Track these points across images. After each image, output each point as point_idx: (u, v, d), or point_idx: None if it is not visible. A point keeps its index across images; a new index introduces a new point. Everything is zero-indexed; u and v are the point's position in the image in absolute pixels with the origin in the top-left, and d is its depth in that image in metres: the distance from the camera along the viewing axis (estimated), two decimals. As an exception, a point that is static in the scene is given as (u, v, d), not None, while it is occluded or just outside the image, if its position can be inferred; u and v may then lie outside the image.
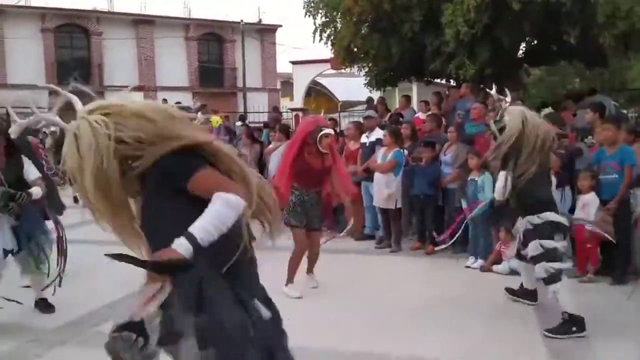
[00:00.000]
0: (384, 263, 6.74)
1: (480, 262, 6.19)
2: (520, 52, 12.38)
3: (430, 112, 9.06)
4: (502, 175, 4.47)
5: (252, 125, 13.64)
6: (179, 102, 18.92)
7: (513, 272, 5.63)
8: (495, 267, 6.02)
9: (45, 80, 23.76)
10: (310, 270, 5.69)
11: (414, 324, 4.57)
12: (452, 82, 12.07)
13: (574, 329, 4.12)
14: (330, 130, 5.39)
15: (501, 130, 4.40)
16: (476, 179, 6.24)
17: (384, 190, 7.13)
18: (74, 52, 25.53)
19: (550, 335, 4.14)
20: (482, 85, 11.23)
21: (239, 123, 14.22)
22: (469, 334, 4.28)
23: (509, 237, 5.85)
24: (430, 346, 4.10)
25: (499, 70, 10.56)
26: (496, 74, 10.67)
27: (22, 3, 24.33)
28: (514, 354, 3.99)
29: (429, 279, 5.96)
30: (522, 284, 4.97)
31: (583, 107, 8.07)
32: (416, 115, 10.30)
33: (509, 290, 5.06)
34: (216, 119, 7.54)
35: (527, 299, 4.91)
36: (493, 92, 4.95)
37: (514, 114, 4.39)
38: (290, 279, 5.39)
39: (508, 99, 4.92)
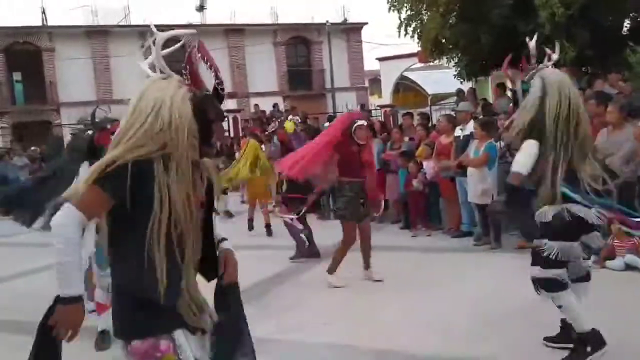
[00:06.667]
0: (484, 261, 6.49)
1: (592, 257, 5.77)
2: (624, 29, 11.52)
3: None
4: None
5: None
6: (276, 104, 19.53)
7: (629, 268, 5.23)
8: (608, 263, 5.61)
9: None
10: (367, 266, 5.88)
11: (518, 324, 4.36)
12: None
13: (589, 348, 3.49)
14: (363, 122, 5.78)
15: (524, 94, 3.61)
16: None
17: (479, 185, 6.88)
18: (172, 65, 26.93)
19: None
20: (584, 68, 10.58)
21: (326, 124, 14.31)
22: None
23: (623, 231, 5.42)
24: (534, 348, 3.89)
25: (600, 51, 9.88)
26: (598, 55, 10.01)
27: (123, 23, 26.01)
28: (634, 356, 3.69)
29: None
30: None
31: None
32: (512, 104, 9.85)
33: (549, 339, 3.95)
34: (290, 125, 7.83)
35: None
36: (532, 43, 3.93)
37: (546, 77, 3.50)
38: (332, 269, 5.75)
39: (554, 56, 3.88)
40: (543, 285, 3.55)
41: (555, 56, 3.91)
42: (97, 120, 4.62)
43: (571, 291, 3.54)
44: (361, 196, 5.75)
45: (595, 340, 3.52)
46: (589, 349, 3.53)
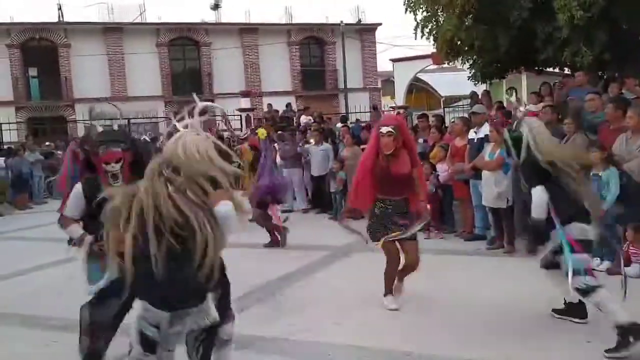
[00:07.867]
0: (497, 265, 6.43)
1: (606, 264, 5.70)
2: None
3: (545, 103, 8.51)
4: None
5: (352, 124, 13.67)
6: (289, 104, 19.54)
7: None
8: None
9: (161, 91, 25.43)
10: (399, 279, 5.12)
11: (529, 327, 4.31)
12: (567, 70, 11.32)
13: (631, 339, 3.64)
14: (387, 128, 4.81)
15: (515, 141, 4.16)
16: (600, 174, 5.74)
17: (494, 188, 6.81)
18: (186, 63, 27.07)
19: (613, 356, 3.67)
20: (600, 73, 10.45)
21: (339, 125, 14.29)
22: (595, 343, 3.93)
23: (639, 237, 5.35)
24: (546, 351, 3.83)
25: (619, 54, 9.74)
26: (616, 59, 9.87)
27: (138, 20, 26.15)
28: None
29: (547, 282, 5.58)
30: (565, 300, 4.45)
31: None
32: (527, 107, 9.76)
33: (557, 311, 4.52)
34: (262, 132, 8.31)
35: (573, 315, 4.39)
36: (512, 98, 4.81)
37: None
38: (387, 290, 5.05)
39: (524, 108, 4.70)
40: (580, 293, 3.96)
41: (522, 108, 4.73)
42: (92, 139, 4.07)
43: (604, 289, 3.84)
44: (393, 215, 4.89)
45: (637, 330, 3.66)
46: (631, 339, 3.64)
